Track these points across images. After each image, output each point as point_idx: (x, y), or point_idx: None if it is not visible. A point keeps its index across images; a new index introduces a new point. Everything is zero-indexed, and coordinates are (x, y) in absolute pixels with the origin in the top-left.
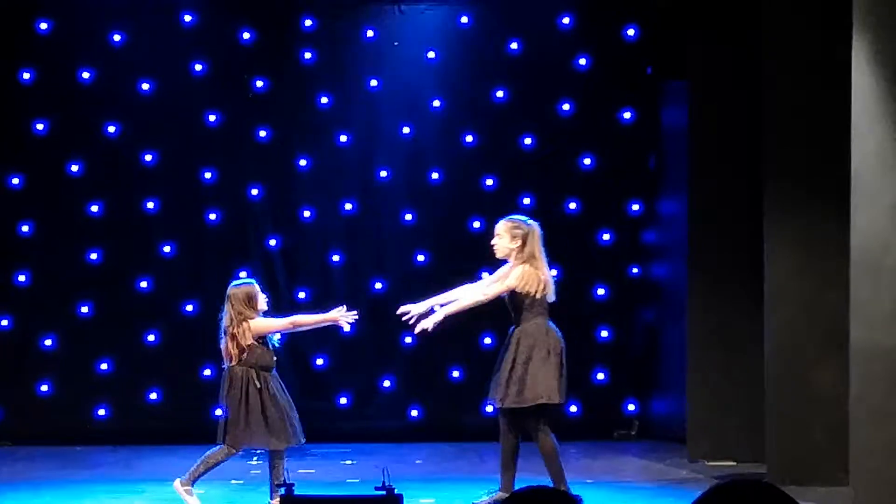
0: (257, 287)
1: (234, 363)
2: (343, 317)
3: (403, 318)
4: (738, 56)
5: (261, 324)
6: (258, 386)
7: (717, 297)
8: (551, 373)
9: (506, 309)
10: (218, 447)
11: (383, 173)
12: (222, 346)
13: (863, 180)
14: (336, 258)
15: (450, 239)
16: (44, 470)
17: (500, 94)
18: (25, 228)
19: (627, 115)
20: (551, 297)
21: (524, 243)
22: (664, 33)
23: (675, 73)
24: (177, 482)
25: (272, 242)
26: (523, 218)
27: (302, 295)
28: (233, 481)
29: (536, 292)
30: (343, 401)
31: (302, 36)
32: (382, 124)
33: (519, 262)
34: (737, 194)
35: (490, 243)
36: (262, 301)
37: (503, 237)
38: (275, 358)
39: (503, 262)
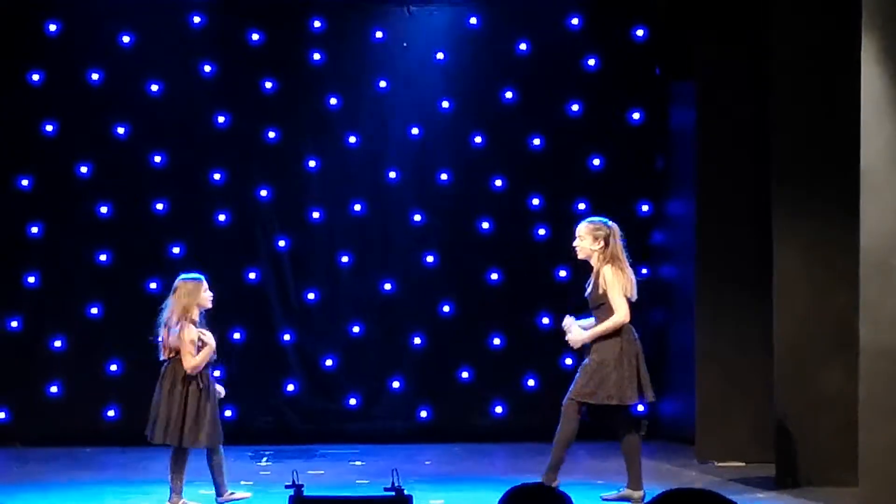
0: (205, 284)
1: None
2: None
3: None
4: (746, 56)
5: (186, 340)
6: (201, 385)
7: (726, 297)
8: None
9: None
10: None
11: (392, 174)
12: (160, 339)
13: (872, 180)
14: (345, 259)
15: (458, 240)
16: (52, 471)
17: (508, 94)
18: (35, 230)
19: (636, 115)
20: (635, 297)
21: (606, 244)
22: (672, 34)
23: (684, 74)
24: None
25: (281, 243)
26: (603, 219)
27: (311, 296)
28: (241, 482)
29: (626, 292)
30: (352, 402)
31: (310, 37)
32: (391, 125)
33: (603, 263)
34: (745, 195)
35: (572, 245)
36: (208, 298)
37: (585, 239)
38: (213, 357)
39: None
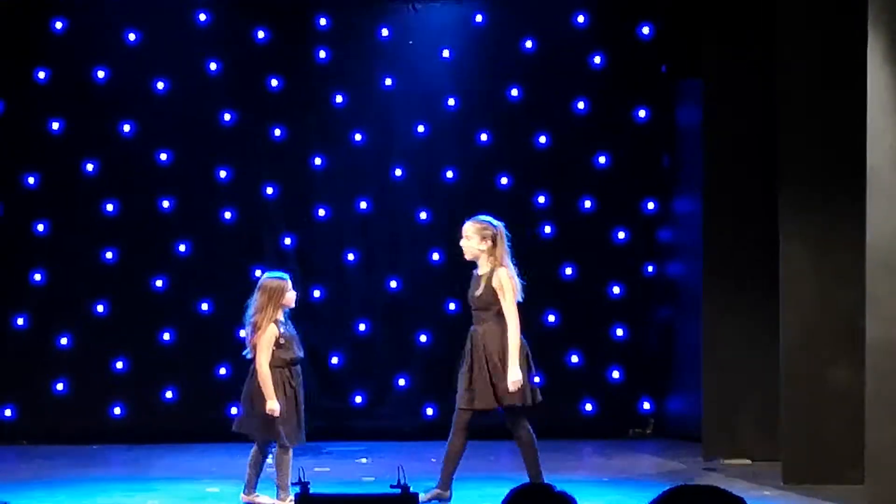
0: (289, 283)
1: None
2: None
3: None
4: (752, 54)
5: (265, 339)
6: (286, 384)
7: (732, 295)
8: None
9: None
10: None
11: (398, 172)
12: (247, 338)
13: (879, 177)
14: (351, 257)
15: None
16: (59, 469)
17: (514, 92)
18: (41, 228)
19: (642, 113)
20: (520, 298)
21: (494, 244)
22: (679, 32)
23: (690, 72)
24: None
25: (287, 241)
26: (489, 219)
27: (317, 294)
28: None
29: (514, 295)
30: (358, 399)
31: (316, 35)
32: (397, 123)
33: (492, 264)
34: (752, 192)
35: (462, 246)
36: (291, 298)
37: (472, 238)
38: (299, 354)
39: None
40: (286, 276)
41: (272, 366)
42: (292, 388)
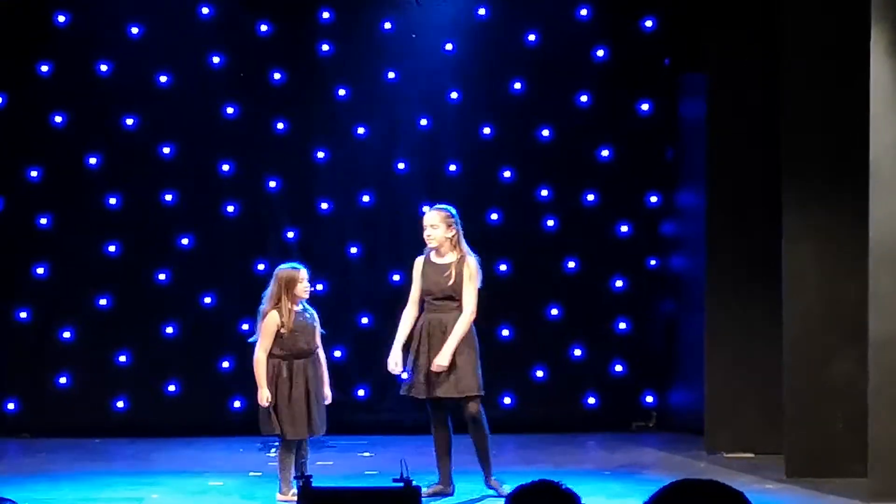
0: (303, 273)
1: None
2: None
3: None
4: (756, 47)
5: (264, 327)
6: (284, 376)
7: (736, 288)
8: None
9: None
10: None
11: (401, 165)
12: (256, 325)
13: (882, 172)
14: (354, 250)
15: (467, 231)
16: (62, 462)
17: (517, 85)
18: (44, 221)
19: (645, 106)
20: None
21: (456, 232)
22: (682, 25)
23: (694, 65)
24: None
25: (290, 235)
26: (448, 206)
27: (319, 287)
28: (251, 473)
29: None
30: (361, 393)
31: (319, 28)
32: (400, 116)
33: (458, 252)
34: (755, 186)
35: (425, 235)
36: (302, 289)
37: (439, 227)
38: (304, 347)
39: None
40: (300, 266)
41: (271, 355)
42: (287, 380)
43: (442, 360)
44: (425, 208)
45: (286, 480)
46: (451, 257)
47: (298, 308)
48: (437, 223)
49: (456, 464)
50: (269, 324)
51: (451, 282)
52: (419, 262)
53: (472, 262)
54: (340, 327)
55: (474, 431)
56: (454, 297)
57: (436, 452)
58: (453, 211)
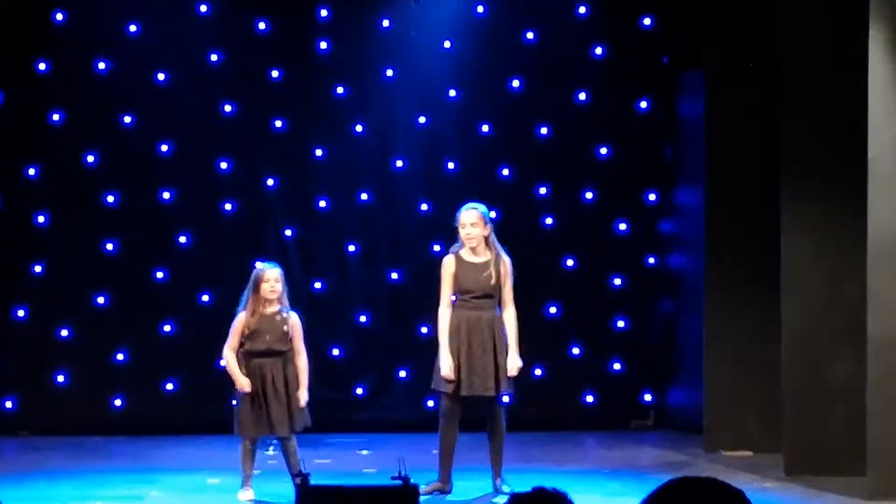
0: (270, 273)
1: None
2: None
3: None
4: (754, 45)
5: (233, 326)
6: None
7: (734, 287)
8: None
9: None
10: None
11: (399, 163)
12: None
13: (880, 170)
14: (352, 248)
15: None
16: (60, 460)
17: (515, 83)
18: (41, 219)
19: (644, 104)
20: None
21: (490, 230)
22: (681, 23)
23: (692, 63)
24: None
25: (288, 233)
26: (481, 205)
27: (318, 285)
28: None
29: None
30: (359, 391)
31: (317, 26)
32: (398, 114)
33: (492, 250)
34: (754, 184)
35: (464, 233)
36: (267, 289)
37: (479, 225)
38: (266, 346)
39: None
40: (273, 266)
41: (241, 352)
42: (246, 377)
43: (518, 360)
44: (468, 205)
45: (244, 479)
46: (486, 255)
47: (273, 309)
48: (476, 221)
49: (454, 462)
50: (235, 322)
51: (492, 280)
52: (451, 262)
53: (507, 260)
54: (338, 325)
55: (498, 429)
56: (493, 294)
57: (442, 449)
58: (486, 209)
